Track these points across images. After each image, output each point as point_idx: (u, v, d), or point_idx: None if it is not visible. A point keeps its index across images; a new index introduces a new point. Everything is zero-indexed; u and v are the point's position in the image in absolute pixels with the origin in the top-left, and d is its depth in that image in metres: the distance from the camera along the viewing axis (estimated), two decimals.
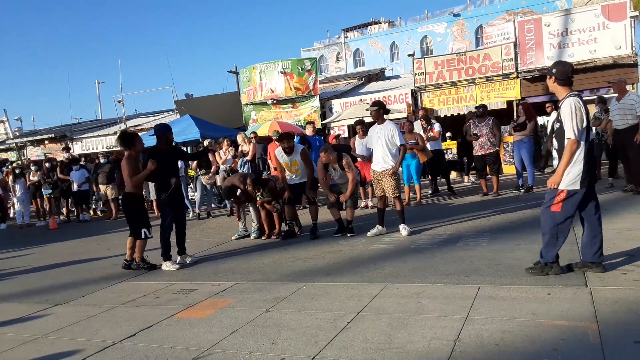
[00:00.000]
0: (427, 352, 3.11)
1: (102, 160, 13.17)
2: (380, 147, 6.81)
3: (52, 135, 22.87)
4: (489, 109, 10.55)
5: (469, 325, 3.45)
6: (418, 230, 6.98)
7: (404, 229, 6.77)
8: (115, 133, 21.38)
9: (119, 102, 21.75)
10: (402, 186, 9.18)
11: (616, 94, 8.53)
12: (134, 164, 6.29)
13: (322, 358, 3.20)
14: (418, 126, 10.46)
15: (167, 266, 6.32)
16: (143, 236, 6.26)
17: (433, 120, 10.97)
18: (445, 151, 12.02)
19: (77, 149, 21.75)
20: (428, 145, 10.18)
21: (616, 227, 5.88)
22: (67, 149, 14.66)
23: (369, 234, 6.95)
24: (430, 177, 10.85)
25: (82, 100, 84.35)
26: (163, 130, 6.46)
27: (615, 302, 3.58)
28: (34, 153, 22.54)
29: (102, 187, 12.86)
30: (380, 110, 6.92)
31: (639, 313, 3.34)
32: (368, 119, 9.35)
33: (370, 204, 9.71)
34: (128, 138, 6.40)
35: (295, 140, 10.24)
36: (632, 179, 8.12)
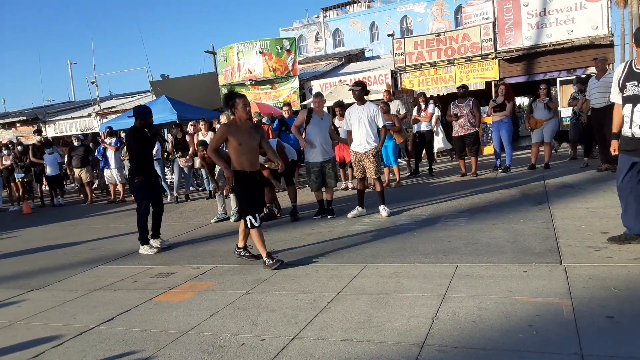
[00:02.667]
0: (405, 330, 3.14)
1: (75, 144, 12.87)
2: (363, 128, 6.77)
3: (24, 118, 22.26)
4: (468, 89, 10.58)
5: (446, 303, 3.50)
6: (398, 211, 7.02)
7: (383, 210, 6.80)
8: (89, 115, 20.91)
9: (93, 83, 21.21)
10: (382, 168, 9.21)
11: (595, 73, 8.60)
12: (238, 132, 5.00)
13: (302, 338, 3.21)
14: (395, 106, 10.44)
15: (144, 250, 6.25)
16: (249, 225, 4.97)
17: (420, 101, 10.99)
18: None
19: (50, 131, 21.22)
20: (425, 126, 10.34)
21: (590, 206, 6.01)
22: (38, 131, 14.24)
23: (349, 215, 6.96)
24: (414, 157, 10.88)
25: (54, 82, 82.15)
26: (144, 113, 6.27)
27: (589, 279, 3.67)
28: (5, 136, 21.90)
29: (76, 171, 12.60)
30: (362, 90, 6.89)
31: (612, 289, 3.42)
32: (347, 101, 9.29)
33: (350, 185, 9.72)
34: (232, 97, 5.13)
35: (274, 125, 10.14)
36: (607, 159, 8.27)
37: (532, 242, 4.77)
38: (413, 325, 3.21)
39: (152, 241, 6.37)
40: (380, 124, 6.76)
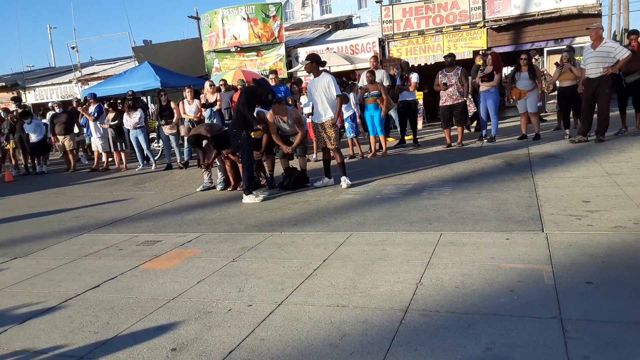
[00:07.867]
0: (390, 295, 3.19)
1: (57, 110, 12.58)
2: (319, 100, 6.78)
3: (3, 84, 21.66)
4: (456, 59, 10.49)
5: (430, 270, 3.55)
6: (383, 180, 7.05)
7: (344, 182, 6.82)
8: (70, 81, 20.40)
9: (73, 48, 20.67)
10: (340, 139, 9.15)
11: (586, 43, 8.49)
12: None
13: (288, 304, 3.25)
14: (379, 76, 10.30)
15: (250, 199, 6.60)
16: None
17: (398, 71, 10.87)
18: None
19: (31, 98, 20.70)
20: (409, 95, 10.20)
21: (573, 175, 6.10)
22: (17, 99, 13.84)
23: (316, 184, 7.11)
24: (399, 126, 10.85)
25: (33, 47, 79.52)
26: (267, 87, 7.07)
27: (570, 246, 3.74)
28: None
29: (59, 138, 12.35)
30: (313, 63, 6.81)
31: (592, 256, 3.50)
32: (333, 69, 9.17)
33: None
34: None
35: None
36: (584, 130, 8.33)
37: (515, 211, 4.85)
38: (397, 290, 3.26)
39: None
40: (335, 94, 6.70)
